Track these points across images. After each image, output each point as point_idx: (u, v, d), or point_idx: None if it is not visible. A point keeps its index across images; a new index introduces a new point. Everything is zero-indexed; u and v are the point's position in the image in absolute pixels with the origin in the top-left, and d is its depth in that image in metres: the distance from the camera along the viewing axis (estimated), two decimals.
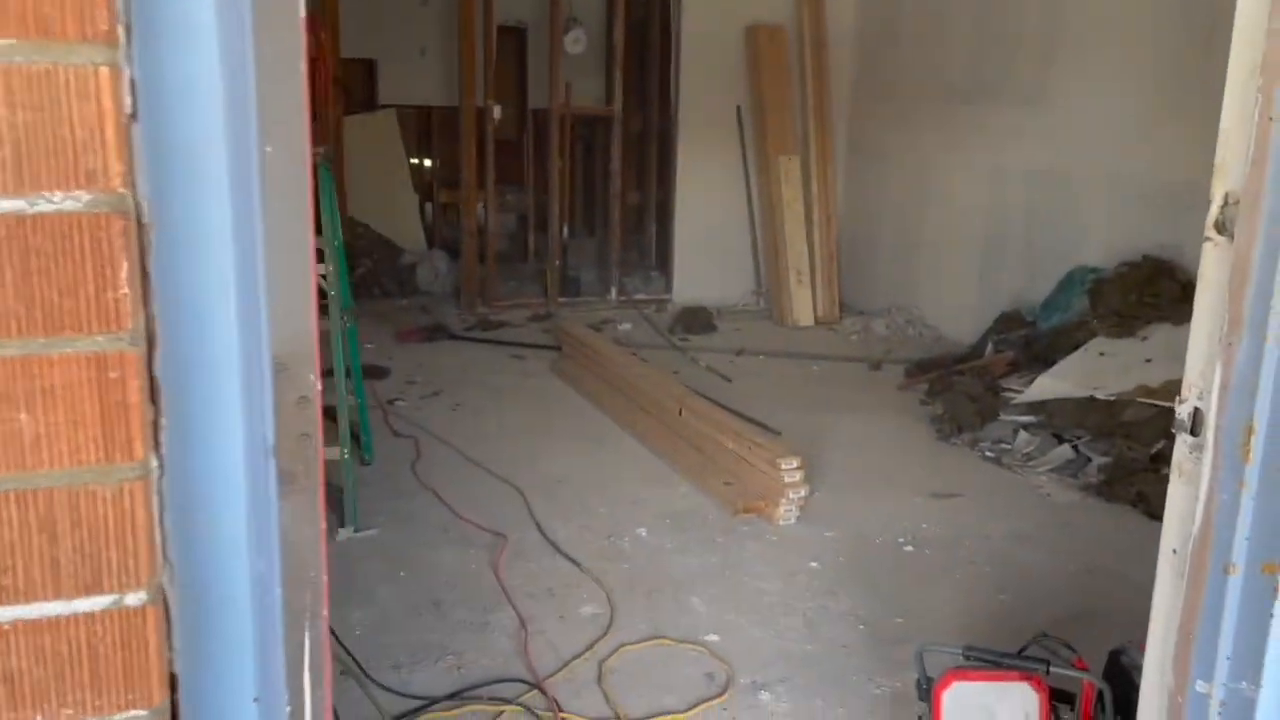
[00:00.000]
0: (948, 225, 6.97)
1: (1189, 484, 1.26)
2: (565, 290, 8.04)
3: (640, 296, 8.12)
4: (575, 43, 7.63)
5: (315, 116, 7.12)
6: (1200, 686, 1.23)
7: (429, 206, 9.55)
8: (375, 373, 5.87)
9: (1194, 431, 1.24)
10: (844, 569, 3.58)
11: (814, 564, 3.60)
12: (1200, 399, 1.23)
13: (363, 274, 8.27)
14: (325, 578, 1.00)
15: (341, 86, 6.93)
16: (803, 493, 3.91)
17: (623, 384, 5.21)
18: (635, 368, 5.25)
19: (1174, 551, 1.30)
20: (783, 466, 3.88)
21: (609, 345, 5.67)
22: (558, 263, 7.88)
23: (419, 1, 8.70)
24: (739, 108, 7.80)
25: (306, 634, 0.99)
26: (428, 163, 9.60)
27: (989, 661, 2.28)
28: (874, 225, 7.72)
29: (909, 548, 3.77)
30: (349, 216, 8.38)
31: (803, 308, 7.46)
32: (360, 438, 4.37)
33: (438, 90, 8.82)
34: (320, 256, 3.70)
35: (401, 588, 3.32)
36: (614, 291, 7.98)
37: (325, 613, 1.00)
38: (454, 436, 4.82)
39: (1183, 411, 1.26)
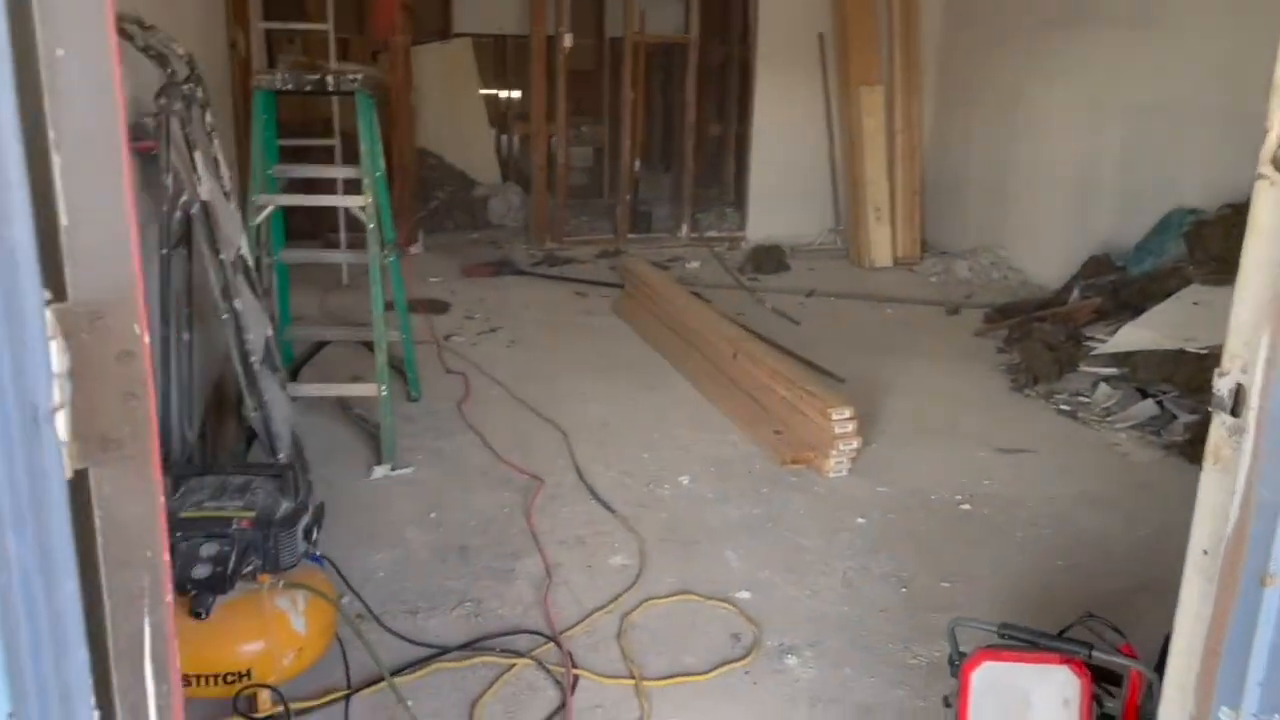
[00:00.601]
0: (1039, 161, 6.54)
1: (1225, 473, 1.05)
2: (635, 226, 7.85)
3: (712, 234, 7.88)
4: None
5: (384, 45, 7.04)
6: (1224, 714, 1.03)
7: (504, 139, 9.44)
8: (436, 307, 5.81)
9: (1234, 411, 1.03)
10: (892, 527, 3.38)
11: (860, 520, 3.42)
12: (1244, 372, 1.02)
13: (435, 207, 8.23)
14: (166, 557, 0.88)
15: (411, 14, 6.79)
16: (854, 445, 3.70)
17: (679, 325, 5.04)
18: (693, 308, 5.06)
19: (1204, 553, 1.09)
20: (834, 417, 3.68)
21: (669, 284, 5.49)
22: (628, 198, 7.68)
23: None
24: (821, 36, 7.42)
25: (146, 621, 0.87)
26: (503, 94, 9.46)
27: (1026, 641, 2.09)
28: (961, 161, 7.30)
29: (966, 506, 3.55)
30: (421, 148, 8.32)
31: (881, 247, 7.14)
32: (406, 374, 4.31)
33: (514, 18, 8.62)
34: (359, 188, 3.60)
35: (430, 530, 3.26)
36: (685, 228, 7.76)
37: (169, 598, 0.88)
38: (505, 375, 4.73)
39: (1222, 386, 1.04)
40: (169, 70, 2.72)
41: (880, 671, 2.60)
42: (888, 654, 2.67)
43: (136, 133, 2.81)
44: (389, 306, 4.22)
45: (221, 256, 2.87)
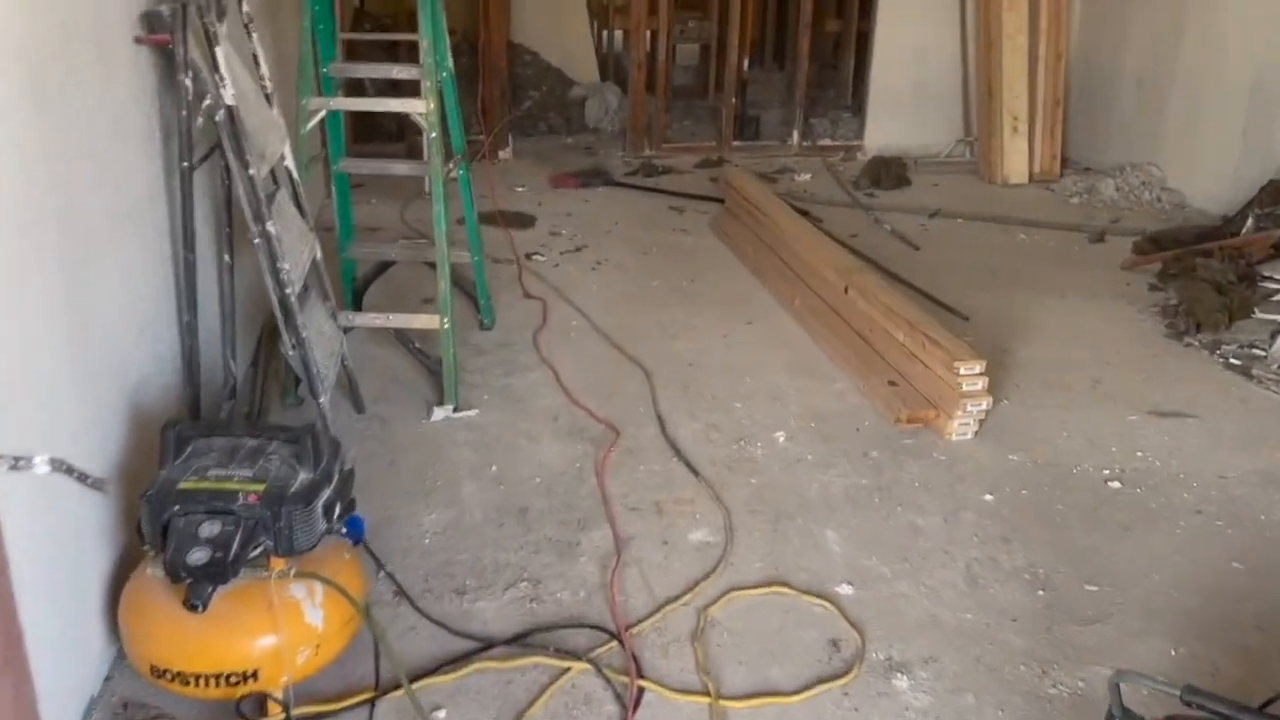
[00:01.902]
0: (1207, 66, 5.67)
1: None
2: (742, 133, 7.23)
3: (826, 142, 7.21)
4: None
5: None
6: None
7: (605, 34, 8.82)
8: (520, 221, 5.39)
9: None
10: (1026, 507, 2.87)
11: (988, 497, 2.91)
12: None
13: (528, 108, 7.73)
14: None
15: None
16: (984, 405, 3.17)
17: (784, 249, 4.51)
18: (799, 230, 4.51)
19: None
20: (961, 372, 3.14)
21: (773, 201, 4.92)
22: (734, 102, 7.04)
23: None
24: None
25: None
26: None
27: (1221, 715, 1.60)
28: (1112, 65, 6.43)
29: (1115, 483, 3.00)
30: (516, 43, 7.80)
31: (1016, 161, 6.39)
32: (478, 300, 3.91)
33: None
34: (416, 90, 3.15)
35: (490, 487, 2.89)
36: (796, 136, 7.10)
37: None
38: (588, 301, 4.30)
39: None
40: None
41: (1012, 704, 2.13)
42: (1021, 679, 2.20)
43: (150, 23, 2.40)
44: (460, 222, 3.81)
45: (251, 171, 2.47)
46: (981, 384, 3.17)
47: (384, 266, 3.84)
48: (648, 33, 6.94)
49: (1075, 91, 6.72)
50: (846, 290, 3.86)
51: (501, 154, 6.72)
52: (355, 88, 5.39)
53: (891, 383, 3.42)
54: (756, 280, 4.61)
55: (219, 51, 2.37)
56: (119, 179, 2.29)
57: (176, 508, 1.94)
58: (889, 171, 6.35)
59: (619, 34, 8.62)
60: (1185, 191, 5.86)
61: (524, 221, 5.39)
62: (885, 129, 7.06)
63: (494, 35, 6.53)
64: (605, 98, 7.89)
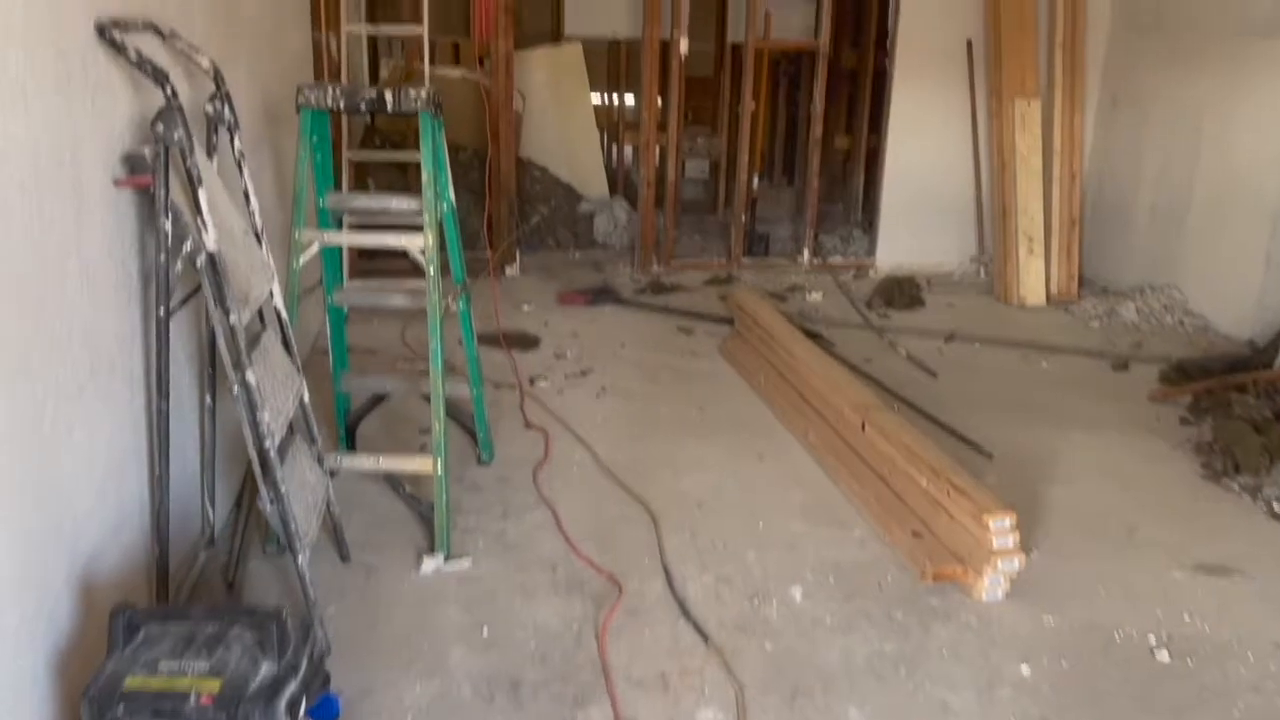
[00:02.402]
0: (1227, 187, 5.57)
1: None
2: (751, 249, 7.14)
3: (837, 260, 7.11)
4: None
5: (487, 50, 6.53)
6: None
7: (615, 149, 8.86)
8: (524, 342, 5.24)
9: None
10: (1067, 681, 2.62)
11: (1024, 668, 2.66)
12: None
13: (536, 223, 7.70)
14: None
15: (515, 18, 6.24)
16: (1016, 563, 2.94)
17: (796, 378, 4.34)
18: (812, 359, 4.34)
19: None
20: (991, 526, 2.92)
21: (784, 325, 4.78)
22: (744, 219, 6.97)
23: None
24: (969, 42, 6.58)
25: None
26: (615, 101, 8.89)
27: None
28: (1129, 185, 6.36)
29: (1162, 653, 2.75)
30: (525, 159, 7.81)
31: (1033, 283, 6.26)
32: (476, 434, 3.72)
33: (628, 21, 8.02)
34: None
35: (479, 653, 2.65)
36: (807, 253, 7.01)
37: None
38: (593, 432, 4.11)
39: None
40: (168, 91, 2.17)
41: None
42: None
43: (131, 164, 2.28)
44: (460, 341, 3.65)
45: (232, 319, 2.31)
46: (1012, 539, 2.95)
47: (379, 399, 3.67)
48: (657, 149, 6.93)
49: (1091, 212, 6.64)
50: (864, 428, 3.67)
51: (508, 270, 6.63)
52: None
53: (915, 533, 3.20)
54: (768, 409, 4.43)
55: (202, 194, 2.24)
56: (88, 332, 2.14)
57: (120, 708, 1.73)
58: (902, 291, 6.23)
59: (629, 148, 8.66)
60: (1209, 315, 5.71)
61: (528, 343, 5.24)
62: (897, 247, 6.97)
63: (503, 152, 6.51)
64: (614, 213, 7.85)
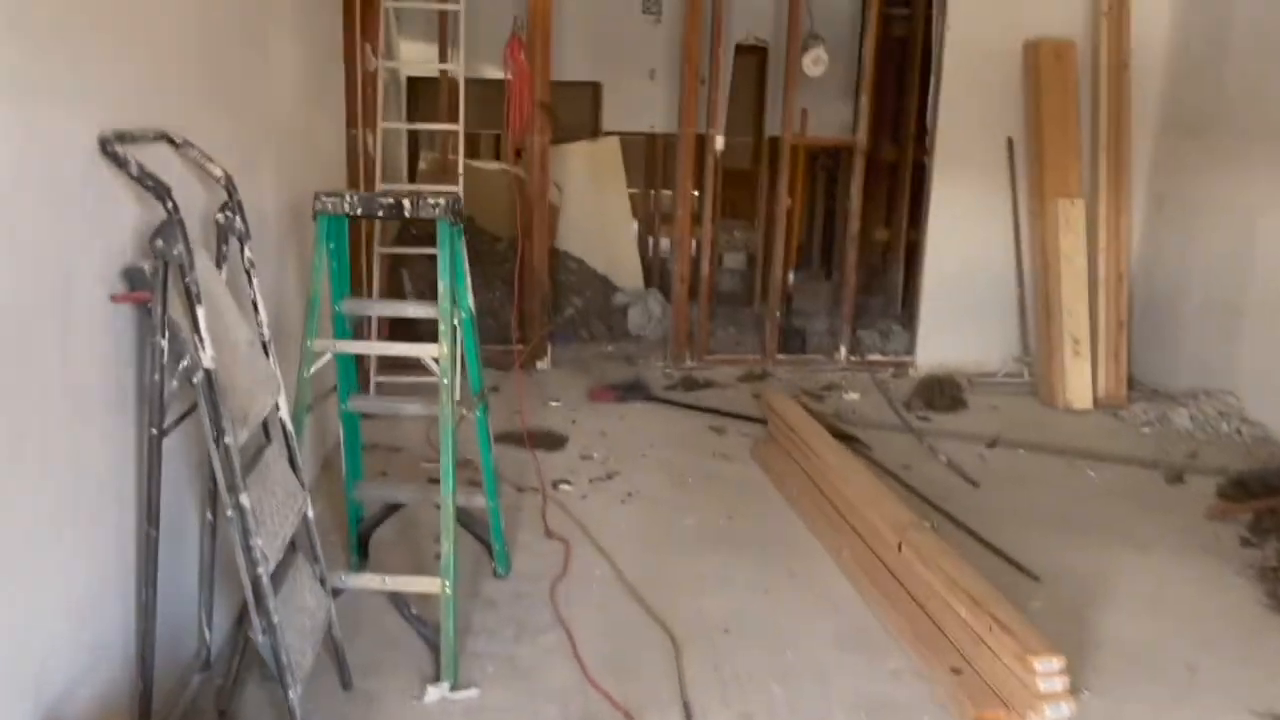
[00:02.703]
0: None
1: None
2: (786, 345, 7.00)
3: (875, 357, 6.95)
4: (815, 64, 6.59)
5: (522, 147, 6.55)
6: None
7: (650, 240, 8.82)
8: (550, 442, 5.11)
9: None
10: None
11: None
12: None
13: (570, 315, 7.64)
14: None
15: (551, 113, 6.26)
16: (1065, 709, 2.71)
17: (830, 487, 4.15)
18: (847, 471, 4.15)
19: None
20: (1038, 669, 2.70)
21: (818, 430, 4.60)
22: (779, 315, 6.85)
23: (652, 21, 7.99)
24: (1010, 139, 6.49)
25: None
26: (651, 193, 8.88)
27: None
28: (1178, 286, 6.17)
29: None
30: (561, 250, 7.80)
31: (1079, 386, 6.04)
32: (492, 546, 3.57)
33: (664, 117, 8.06)
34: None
35: None
36: (844, 350, 6.85)
37: None
38: (616, 542, 3.95)
39: None
40: (169, 206, 2.10)
41: None
42: None
43: (131, 279, 2.20)
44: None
45: (227, 440, 2.20)
46: (1061, 683, 2.72)
47: (394, 507, 3.55)
48: (693, 242, 6.86)
49: (1139, 311, 6.43)
50: (900, 548, 3.46)
51: (540, 364, 6.54)
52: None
53: (955, 669, 2.98)
54: (800, 521, 4.24)
55: (200, 311, 2.15)
56: (73, 454, 2.04)
57: None
58: (942, 392, 6.03)
59: (665, 240, 8.63)
60: (1268, 424, 5.44)
61: (554, 442, 5.11)
62: (937, 344, 6.79)
63: (536, 246, 6.47)
64: (649, 305, 7.77)
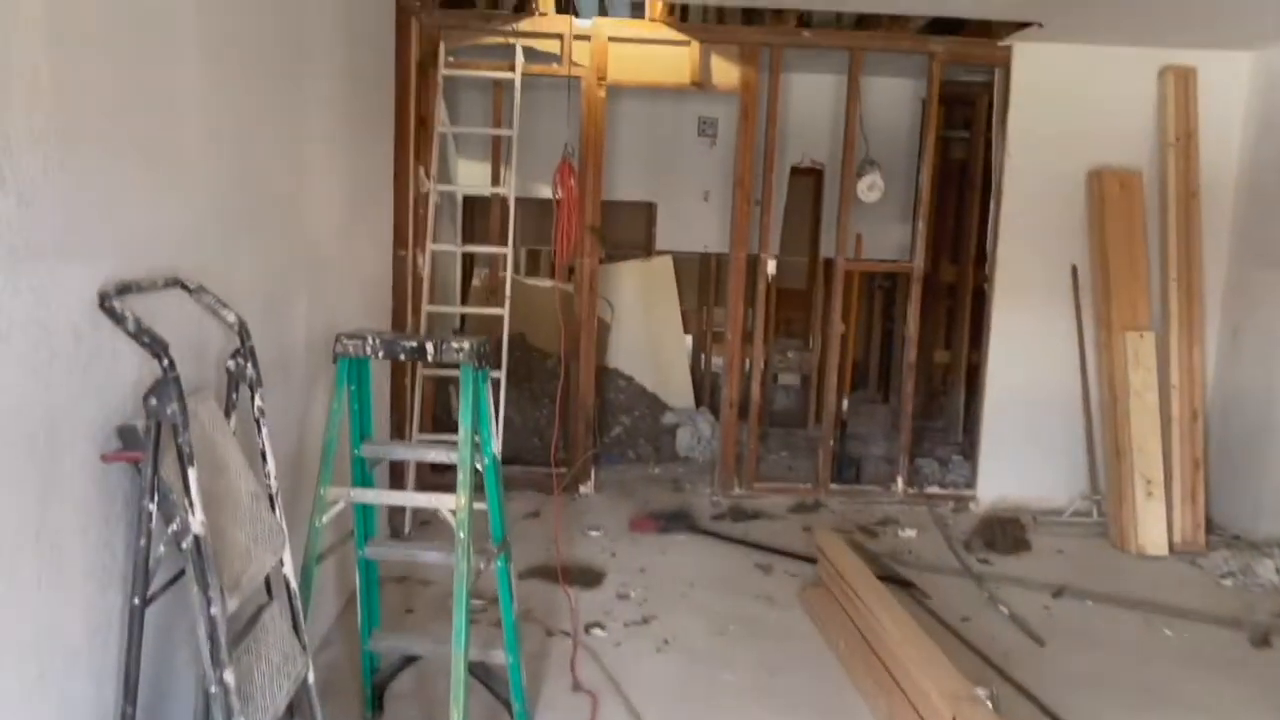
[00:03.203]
0: None
1: None
2: (841, 473, 6.74)
3: (935, 490, 6.64)
4: (870, 189, 6.49)
5: (572, 269, 6.51)
6: None
7: (702, 358, 8.69)
8: (586, 578, 4.89)
9: None
10: None
11: None
12: None
13: (617, 435, 7.48)
14: None
15: (600, 235, 6.22)
16: None
17: (882, 646, 3.85)
18: (901, 628, 3.85)
19: None
20: None
21: (870, 582, 4.31)
22: (832, 443, 6.60)
23: (708, 143, 8.01)
24: (1074, 267, 6.26)
25: None
26: (704, 311, 8.79)
27: None
28: (1259, 424, 5.81)
29: None
30: (611, 368, 7.71)
31: (1153, 530, 5.66)
32: (511, 705, 3.34)
33: (719, 238, 8.01)
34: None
35: None
36: (901, 481, 6.56)
37: None
38: (647, 699, 3.68)
39: None
40: (164, 363, 1.99)
41: None
42: None
43: (123, 438, 2.09)
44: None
45: (213, 611, 2.05)
46: None
47: (406, 662, 3.36)
48: (745, 362, 6.70)
49: (1215, 450, 6.07)
50: None
51: (582, 488, 6.36)
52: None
53: None
54: (848, 679, 3.94)
55: (192, 474, 2.02)
56: (43, 630, 1.89)
57: None
58: (1005, 533, 5.70)
59: (717, 359, 8.49)
60: None
61: (591, 578, 4.89)
62: (1000, 477, 6.47)
63: (583, 367, 6.37)
64: (698, 426, 7.59)
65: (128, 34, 2.13)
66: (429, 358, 2.77)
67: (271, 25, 3.05)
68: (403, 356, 2.80)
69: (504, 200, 6.16)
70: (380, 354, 2.78)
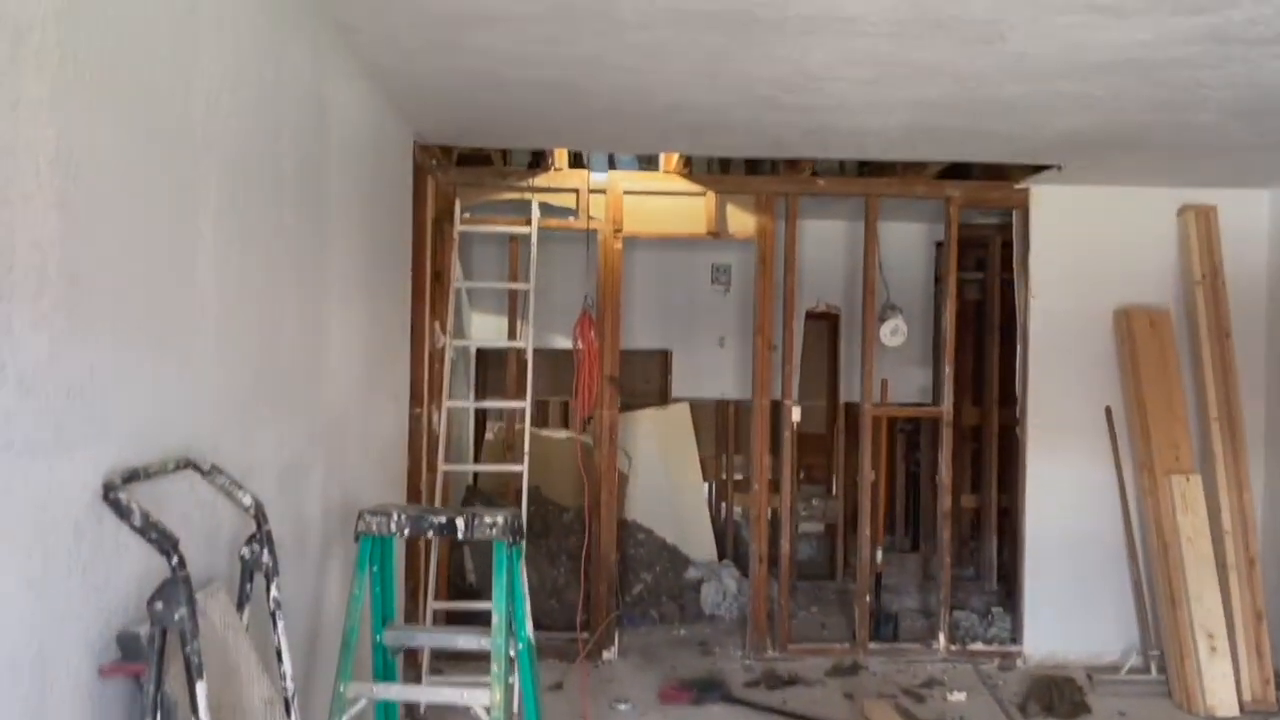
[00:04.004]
0: None
1: None
2: (879, 631, 6.38)
3: (978, 646, 6.27)
4: (894, 334, 6.37)
5: (588, 419, 6.34)
6: None
7: (724, 507, 8.42)
8: None
9: None
10: None
11: None
12: None
13: (639, 592, 7.14)
14: None
15: (618, 385, 6.07)
16: None
17: None
18: None
19: None
20: None
21: None
22: (868, 599, 6.27)
23: (721, 290, 7.98)
24: (1108, 409, 6.08)
25: None
26: (724, 459, 8.56)
27: None
28: None
29: None
30: (630, 520, 7.42)
31: (1220, 688, 5.29)
32: None
33: (737, 385, 7.88)
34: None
35: None
36: (942, 638, 6.20)
37: None
38: None
39: None
40: (174, 562, 1.78)
41: None
42: None
43: (124, 646, 1.86)
44: None
45: None
46: None
47: None
48: (769, 512, 6.43)
49: (1272, 597, 5.74)
50: None
51: (605, 654, 6.00)
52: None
53: None
54: None
55: (200, 689, 1.78)
56: None
57: None
58: (1062, 695, 5.32)
59: (738, 509, 8.22)
60: None
61: None
62: (1046, 631, 6.11)
63: (605, 520, 6.11)
64: (722, 581, 7.25)
65: (144, 209, 2.01)
66: (460, 535, 2.55)
67: (293, 194, 2.96)
68: (431, 534, 2.58)
69: (520, 354, 6.04)
70: (406, 531, 2.56)
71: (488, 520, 2.54)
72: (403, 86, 4.03)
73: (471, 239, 7.15)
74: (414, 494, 5.34)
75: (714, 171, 6.34)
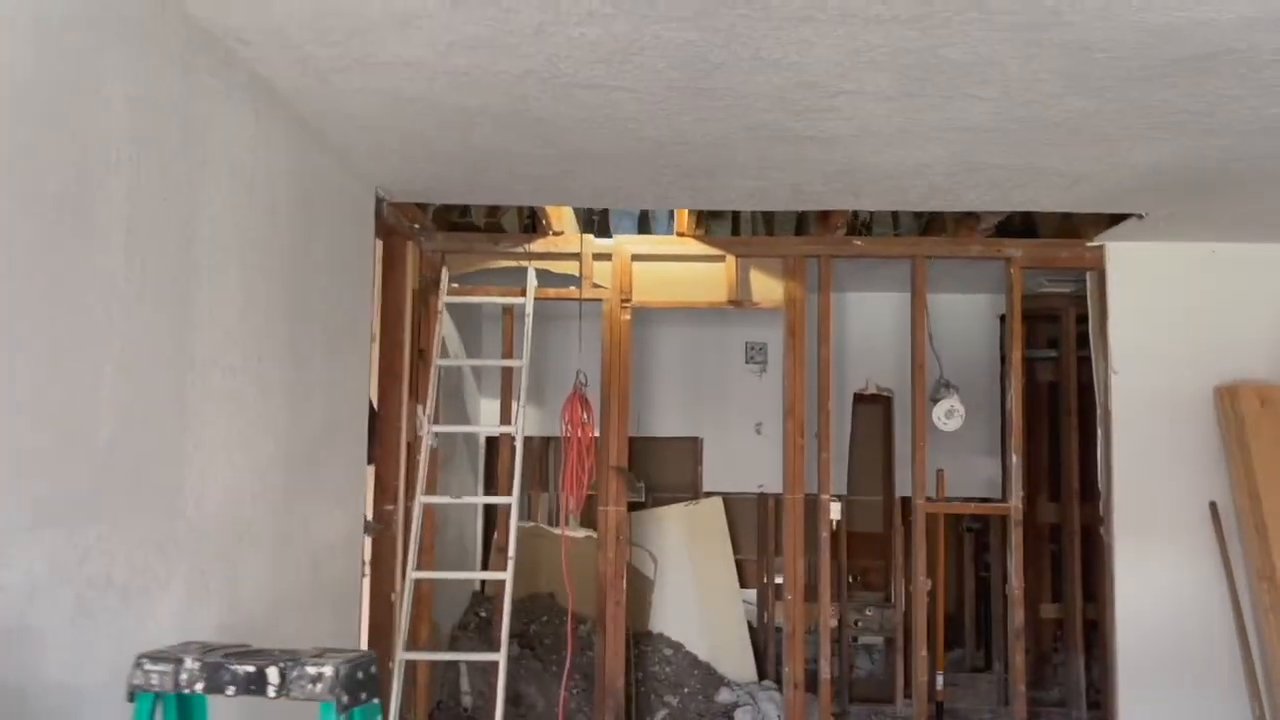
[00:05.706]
0: None
1: None
2: None
3: None
4: (949, 416, 5.48)
5: (578, 512, 5.52)
6: None
7: (764, 618, 7.44)
8: None
9: None
10: None
11: None
12: None
13: (663, 718, 6.20)
14: None
15: (624, 477, 5.26)
16: None
17: None
18: None
19: None
20: None
21: None
22: None
23: (757, 371, 7.17)
24: (1213, 504, 5.07)
25: None
26: (766, 562, 7.63)
27: None
28: None
29: None
30: (655, 633, 6.55)
31: None
32: None
33: (776, 476, 6.99)
34: None
35: None
36: None
37: None
38: None
39: None
40: None
41: None
42: None
43: None
44: None
45: None
46: None
47: None
48: (805, 628, 5.49)
49: None
50: None
51: None
52: None
53: None
54: None
55: None
56: None
57: None
58: None
59: (780, 619, 7.25)
60: None
61: None
62: None
63: (610, 635, 5.25)
64: (760, 707, 6.26)
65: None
66: (270, 691, 1.76)
67: (124, 236, 2.28)
68: (231, 690, 1.79)
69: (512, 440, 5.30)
70: (200, 685, 1.78)
71: (311, 671, 1.75)
72: (331, 119, 3.38)
73: (481, 313, 6.52)
74: (383, 608, 4.59)
75: (742, 232, 5.61)
